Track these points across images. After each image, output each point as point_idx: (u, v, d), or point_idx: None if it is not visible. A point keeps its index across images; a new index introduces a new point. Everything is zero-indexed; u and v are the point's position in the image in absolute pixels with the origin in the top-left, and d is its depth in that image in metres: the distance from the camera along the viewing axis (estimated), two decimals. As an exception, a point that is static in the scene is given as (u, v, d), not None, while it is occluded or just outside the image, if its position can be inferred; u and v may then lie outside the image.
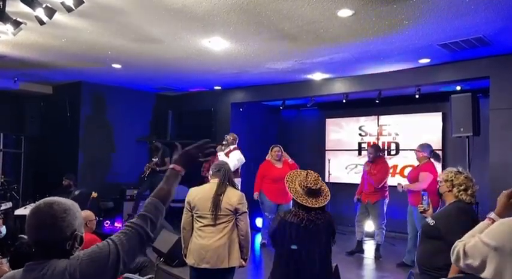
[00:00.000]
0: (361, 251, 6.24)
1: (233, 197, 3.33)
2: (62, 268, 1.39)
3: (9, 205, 6.61)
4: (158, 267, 4.75)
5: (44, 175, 8.46)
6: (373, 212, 6.13)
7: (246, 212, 3.36)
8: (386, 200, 6.16)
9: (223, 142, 6.57)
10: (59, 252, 1.43)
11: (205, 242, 3.28)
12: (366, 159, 6.48)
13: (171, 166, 1.76)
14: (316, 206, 2.88)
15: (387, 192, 6.16)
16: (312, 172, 3.06)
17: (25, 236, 4.48)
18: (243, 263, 3.40)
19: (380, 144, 8.09)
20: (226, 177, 3.39)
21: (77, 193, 6.61)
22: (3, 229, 4.09)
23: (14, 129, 8.63)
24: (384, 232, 6.16)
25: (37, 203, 1.49)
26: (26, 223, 1.46)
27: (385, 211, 6.13)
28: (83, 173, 7.87)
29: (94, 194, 6.90)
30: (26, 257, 2.70)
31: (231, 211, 3.30)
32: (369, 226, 7.57)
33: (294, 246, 2.87)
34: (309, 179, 2.95)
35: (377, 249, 6.15)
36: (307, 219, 2.86)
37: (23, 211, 6.41)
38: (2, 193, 6.96)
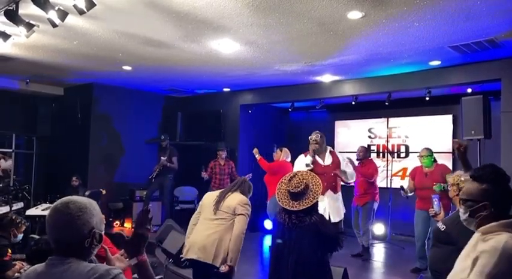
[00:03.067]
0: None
1: (235, 199, 3.47)
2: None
3: (20, 205, 6.69)
4: (167, 268, 4.76)
5: (54, 175, 8.54)
6: (362, 214, 6.10)
7: (243, 214, 3.39)
8: (376, 203, 6.18)
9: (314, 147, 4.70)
10: (78, 250, 1.47)
11: (198, 234, 3.44)
12: (374, 161, 6.48)
13: (135, 261, 1.59)
14: (295, 209, 2.87)
15: (377, 195, 6.20)
16: (300, 173, 3.05)
17: (35, 236, 4.53)
18: (224, 268, 3.27)
19: (390, 147, 8.05)
20: (237, 185, 3.62)
21: (87, 193, 6.67)
22: (20, 236, 4.16)
23: (26, 129, 8.72)
24: (370, 234, 6.17)
25: (55, 203, 1.53)
26: (46, 223, 1.50)
27: (374, 213, 6.16)
28: (92, 174, 7.94)
29: (103, 191, 6.98)
30: (43, 253, 2.80)
31: (230, 210, 3.41)
32: (378, 228, 7.54)
33: (279, 241, 2.89)
34: (291, 182, 2.97)
35: (365, 251, 6.10)
36: (289, 221, 2.86)
37: (35, 211, 6.48)
38: (13, 193, 7.02)
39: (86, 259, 1.50)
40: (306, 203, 2.89)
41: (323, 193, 4.37)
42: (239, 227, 3.35)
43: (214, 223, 3.42)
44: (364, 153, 6.35)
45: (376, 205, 6.20)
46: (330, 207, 4.55)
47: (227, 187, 3.70)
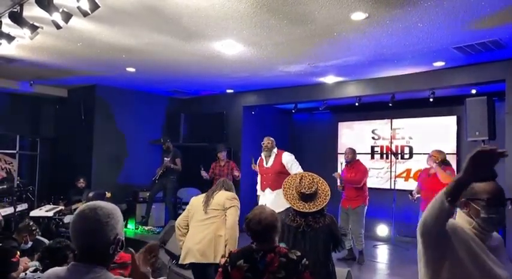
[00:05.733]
0: (354, 258, 6.00)
1: (223, 195, 3.65)
2: None
3: (24, 206, 6.72)
4: (170, 269, 4.77)
5: (58, 176, 8.57)
6: (354, 218, 5.94)
7: (234, 206, 3.58)
8: (366, 207, 6.02)
9: (264, 151, 5.53)
10: (101, 257, 1.46)
11: (193, 238, 3.54)
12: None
13: None
14: (313, 210, 2.86)
15: (367, 198, 6.04)
16: (307, 174, 3.07)
17: (40, 238, 4.54)
18: (222, 259, 3.36)
19: (393, 148, 8.03)
20: (220, 185, 3.81)
21: (91, 194, 6.67)
22: (29, 244, 4.18)
23: (30, 131, 8.76)
24: (363, 238, 6.00)
25: (81, 208, 1.51)
26: (71, 229, 1.48)
27: (364, 217, 6.00)
28: (96, 175, 7.96)
29: (108, 194, 6.98)
30: (54, 251, 2.85)
31: (220, 207, 3.58)
32: (382, 230, 7.51)
33: (282, 244, 2.87)
34: (302, 184, 2.96)
35: (360, 254, 5.97)
36: (305, 224, 2.85)
37: (38, 212, 6.50)
38: (17, 194, 7.05)
39: (108, 266, 1.49)
40: (320, 203, 2.89)
41: (263, 190, 5.38)
42: (232, 218, 3.51)
43: (206, 223, 3.54)
44: (353, 155, 6.13)
45: (366, 209, 6.02)
46: (268, 200, 5.15)
47: (211, 189, 3.85)
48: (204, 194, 3.78)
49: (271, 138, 5.48)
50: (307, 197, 2.90)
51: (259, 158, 5.65)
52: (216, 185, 3.84)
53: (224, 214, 3.55)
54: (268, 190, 5.30)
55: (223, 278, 2.40)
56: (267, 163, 5.41)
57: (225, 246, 3.45)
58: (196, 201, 3.72)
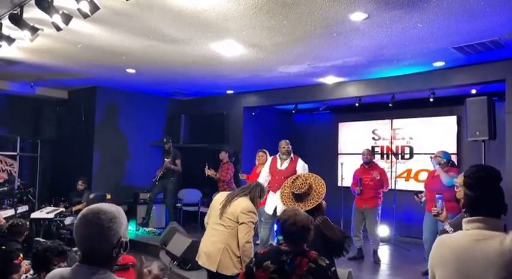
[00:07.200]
0: (362, 257, 6.06)
1: (240, 206, 3.35)
2: None
3: (25, 208, 6.73)
4: (172, 271, 4.77)
5: (59, 178, 8.58)
6: (371, 218, 5.97)
7: (246, 223, 3.28)
8: (380, 206, 6.09)
9: (282, 154, 5.51)
10: (105, 259, 1.47)
11: (205, 239, 3.47)
12: (378, 163, 6.38)
13: None
14: (301, 210, 2.87)
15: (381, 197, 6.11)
16: (303, 175, 3.09)
17: (40, 239, 4.54)
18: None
19: (394, 148, 8.03)
20: (248, 189, 3.52)
21: (91, 196, 6.68)
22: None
23: (31, 133, 8.77)
24: (379, 237, 6.08)
25: (83, 212, 1.50)
26: (74, 233, 1.49)
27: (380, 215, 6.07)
28: (97, 176, 7.97)
29: (108, 196, 6.99)
30: (35, 255, 2.82)
31: (234, 218, 3.33)
32: (383, 230, 7.50)
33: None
34: (295, 184, 2.99)
35: (375, 253, 6.02)
36: None
37: (39, 214, 6.51)
38: (18, 196, 7.07)
39: (112, 267, 1.50)
40: (310, 203, 2.90)
41: (274, 191, 5.28)
42: (242, 237, 3.26)
43: (219, 230, 3.38)
44: (372, 156, 6.26)
45: (380, 207, 6.11)
46: (279, 203, 5.03)
47: (237, 190, 3.61)
48: (227, 193, 3.57)
49: (289, 142, 5.55)
50: (298, 197, 2.93)
51: (272, 157, 5.67)
52: (243, 188, 3.57)
53: (237, 226, 3.31)
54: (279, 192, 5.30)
55: (245, 278, 2.37)
56: (281, 165, 5.47)
57: (240, 261, 3.28)
58: (217, 199, 3.53)
